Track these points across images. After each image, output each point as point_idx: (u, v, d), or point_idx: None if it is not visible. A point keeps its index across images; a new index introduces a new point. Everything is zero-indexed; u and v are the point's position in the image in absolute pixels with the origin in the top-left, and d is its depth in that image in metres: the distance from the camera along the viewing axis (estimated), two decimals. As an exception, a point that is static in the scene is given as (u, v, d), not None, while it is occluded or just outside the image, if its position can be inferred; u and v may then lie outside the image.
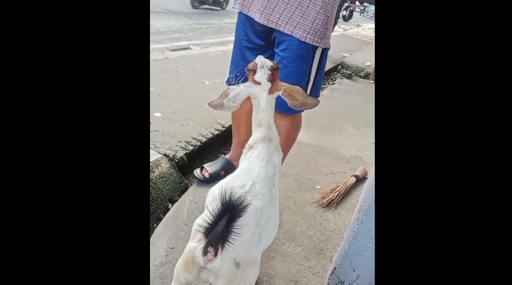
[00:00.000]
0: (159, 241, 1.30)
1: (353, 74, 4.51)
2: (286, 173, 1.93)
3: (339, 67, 4.68)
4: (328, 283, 1.17)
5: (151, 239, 1.31)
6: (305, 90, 1.45)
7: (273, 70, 1.00)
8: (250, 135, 1.80)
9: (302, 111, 1.52)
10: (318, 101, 1.05)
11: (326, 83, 4.08)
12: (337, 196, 1.77)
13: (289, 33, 1.32)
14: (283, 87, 1.02)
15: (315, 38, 1.33)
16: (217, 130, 2.21)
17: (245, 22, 1.43)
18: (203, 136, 2.10)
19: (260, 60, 1.03)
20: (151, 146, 1.91)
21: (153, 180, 1.67)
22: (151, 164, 1.76)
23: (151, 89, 2.65)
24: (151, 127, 2.10)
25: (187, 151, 1.90)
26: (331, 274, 1.16)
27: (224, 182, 0.91)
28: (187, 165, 1.88)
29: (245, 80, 1.56)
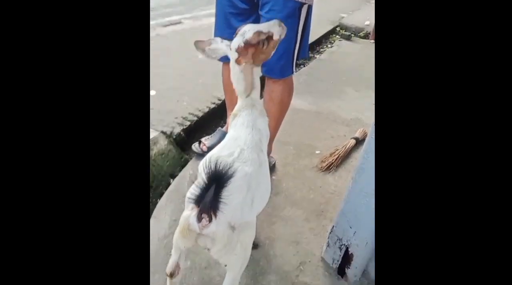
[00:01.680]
0: (162, 214, 1.34)
1: (352, 35, 4.37)
2: (285, 141, 1.93)
3: (338, 28, 4.53)
4: (328, 241, 1.21)
5: (154, 213, 1.35)
6: (293, 51, 1.43)
7: (247, 43, 0.94)
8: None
9: (292, 74, 1.50)
10: (249, 93, 1.00)
11: (324, 46, 3.97)
12: (336, 159, 1.78)
13: None
14: (244, 63, 0.97)
15: None
16: (214, 103, 2.20)
17: None
18: (200, 110, 2.10)
19: (244, 29, 0.97)
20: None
21: (153, 158, 1.70)
22: (149, 142, 1.78)
23: (144, 67, 2.62)
24: (147, 106, 2.10)
25: (184, 127, 1.91)
26: (330, 233, 1.19)
27: (213, 153, 0.92)
28: (185, 140, 1.89)
29: None
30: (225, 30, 1.47)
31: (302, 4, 1.32)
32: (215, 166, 0.73)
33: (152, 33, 3.34)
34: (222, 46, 0.99)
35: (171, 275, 0.92)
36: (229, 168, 0.75)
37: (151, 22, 4.02)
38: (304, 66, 3.28)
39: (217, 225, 0.77)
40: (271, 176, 1.64)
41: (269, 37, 0.96)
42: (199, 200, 0.76)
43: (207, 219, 0.76)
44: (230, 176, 0.74)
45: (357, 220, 1.07)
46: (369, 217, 1.04)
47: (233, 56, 0.97)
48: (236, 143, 0.92)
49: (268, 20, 1.35)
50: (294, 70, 1.48)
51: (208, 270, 1.14)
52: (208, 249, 0.84)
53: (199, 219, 0.77)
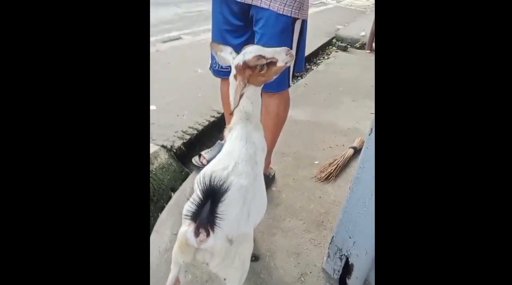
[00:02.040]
0: (163, 228, 1.35)
1: (348, 46, 4.44)
2: (284, 152, 1.95)
3: (334, 40, 4.61)
4: (328, 252, 1.21)
5: (155, 228, 1.36)
6: (289, 65, 1.45)
7: (245, 64, 0.96)
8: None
9: (288, 87, 1.53)
10: (232, 111, 1.01)
11: (321, 57, 4.03)
12: (335, 169, 1.79)
13: (266, 7, 1.31)
14: (238, 81, 0.98)
15: (293, 10, 1.32)
16: (213, 116, 2.23)
17: (221, 3, 1.43)
18: (199, 124, 2.12)
19: (248, 49, 0.99)
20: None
21: (154, 172, 1.71)
22: (150, 156, 1.80)
23: (144, 83, 2.67)
24: (148, 121, 2.13)
25: (185, 141, 1.94)
26: (330, 243, 1.20)
27: (207, 168, 0.93)
28: (186, 154, 1.91)
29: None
30: None
31: (295, 19, 1.35)
32: (210, 181, 0.74)
33: (152, 49, 3.40)
34: (229, 57, 1.02)
35: None
36: (223, 182, 0.76)
37: (151, 39, 4.10)
38: (301, 78, 3.33)
39: (215, 239, 0.78)
40: (270, 187, 1.65)
41: (272, 63, 0.98)
42: (195, 216, 0.77)
43: (205, 234, 0.77)
44: (225, 191, 0.75)
45: (356, 230, 1.08)
46: (367, 227, 1.05)
47: (232, 70, 1.00)
48: (231, 157, 0.93)
49: (262, 35, 1.40)
50: (290, 84, 1.51)
51: (209, 284, 1.14)
52: (207, 264, 0.84)
53: (197, 234, 0.77)
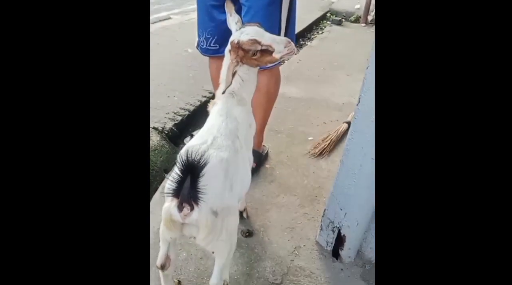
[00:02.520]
0: (157, 209, 1.35)
1: (343, 19, 4.34)
2: (277, 129, 1.94)
3: (328, 14, 4.49)
4: (321, 225, 1.22)
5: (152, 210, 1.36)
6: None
7: (240, 43, 0.95)
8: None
9: (280, 64, 1.49)
10: (225, 89, 0.99)
11: (315, 33, 3.95)
12: (329, 144, 1.78)
13: None
14: (231, 58, 0.98)
15: None
16: (205, 96, 2.20)
17: None
18: (191, 104, 2.10)
19: (248, 29, 0.98)
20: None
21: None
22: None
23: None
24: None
25: (176, 122, 1.92)
26: (323, 216, 1.20)
27: (188, 144, 0.92)
28: (178, 135, 1.90)
29: (217, 41, 1.53)
30: (208, 23, 1.46)
31: None
32: (187, 156, 0.73)
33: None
34: (233, 27, 1.02)
35: (162, 267, 0.92)
36: (201, 156, 0.75)
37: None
38: (295, 54, 3.27)
39: (199, 213, 0.78)
40: (264, 165, 1.65)
41: (267, 51, 0.96)
42: (177, 192, 0.76)
43: (189, 207, 0.76)
44: (204, 164, 0.74)
45: (347, 202, 1.08)
46: (358, 198, 1.05)
47: (228, 45, 0.99)
48: (210, 132, 0.93)
49: (249, 8, 1.35)
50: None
51: (203, 260, 1.15)
52: (194, 238, 0.85)
53: (180, 209, 0.77)
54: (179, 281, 1.06)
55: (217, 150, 0.86)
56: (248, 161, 1.04)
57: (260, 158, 1.63)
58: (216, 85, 1.71)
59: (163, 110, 2.04)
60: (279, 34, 1.41)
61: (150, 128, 1.85)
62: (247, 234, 1.26)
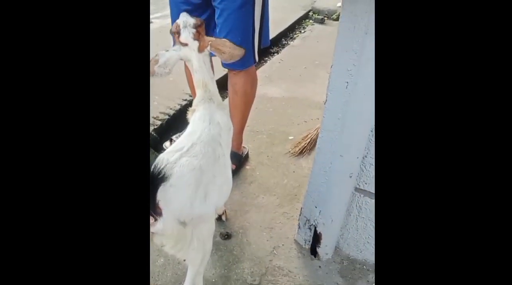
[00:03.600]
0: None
1: (325, 18, 4.36)
2: (258, 130, 1.94)
3: (310, 13, 4.51)
4: (299, 223, 1.22)
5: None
6: (252, 40, 1.42)
7: (197, 27, 0.98)
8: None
9: (254, 64, 1.50)
10: (245, 49, 1.02)
11: (297, 32, 3.96)
12: (309, 143, 1.79)
13: None
14: (210, 42, 1.00)
15: None
16: (185, 100, 2.19)
17: None
18: (171, 108, 2.09)
19: (182, 19, 1.00)
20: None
21: (125, 160, 1.70)
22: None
23: (114, 71, 2.60)
24: (118, 109, 2.10)
25: (156, 126, 1.91)
26: (300, 215, 1.21)
27: (166, 150, 0.91)
28: (158, 140, 1.89)
29: None
30: None
31: None
32: (153, 167, 0.73)
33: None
34: (171, 54, 0.99)
35: None
36: (164, 167, 0.74)
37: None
38: (277, 54, 3.28)
39: (164, 223, 0.77)
40: (244, 166, 1.65)
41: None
42: None
43: (152, 218, 0.76)
44: (168, 176, 0.74)
45: (321, 199, 1.09)
46: (330, 195, 1.05)
47: (194, 46, 0.99)
48: (190, 138, 0.92)
49: (222, 11, 1.35)
50: (255, 59, 1.47)
51: (181, 266, 1.15)
52: (163, 247, 0.85)
53: None
54: None
55: (191, 158, 0.85)
56: (230, 167, 1.03)
57: (240, 160, 1.63)
58: (192, 87, 1.71)
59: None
60: (253, 35, 1.41)
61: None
62: (225, 236, 1.26)
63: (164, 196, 0.75)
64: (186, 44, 0.99)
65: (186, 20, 0.98)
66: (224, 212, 1.33)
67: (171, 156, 0.83)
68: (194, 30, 0.98)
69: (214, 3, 1.37)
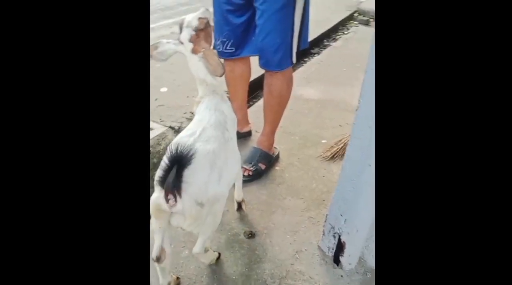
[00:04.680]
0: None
1: (370, 19, 4.22)
2: (291, 132, 1.93)
3: (355, 14, 4.39)
4: (323, 230, 1.21)
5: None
6: (291, 42, 1.42)
7: (197, 30, 1.00)
8: (246, 97, 1.80)
9: (291, 65, 1.49)
10: (224, 71, 1.02)
11: (340, 32, 3.87)
12: (341, 148, 1.75)
13: None
14: (203, 50, 1.01)
15: None
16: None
17: None
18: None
19: (188, 19, 1.02)
20: (157, 120, 1.99)
21: (161, 153, 1.77)
22: (157, 138, 1.85)
23: (157, 65, 2.71)
24: (157, 102, 2.18)
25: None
26: (325, 221, 1.19)
27: (178, 136, 0.97)
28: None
29: (232, 44, 1.55)
30: (224, 27, 1.49)
31: None
32: (175, 149, 0.78)
33: (167, 32, 3.43)
34: (170, 46, 1.03)
35: (158, 260, 0.94)
36: (189, 149, 0.80)
37: (168, 21, 4.13)
38: (317, 55, 3.23)
39: (184, 203, 0.83)
40: (274, 167, 1.66)
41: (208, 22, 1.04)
42: (162, 182, 0.81)
43: (173, 199, 0.81)
44: (191, 157, 0.79)
45: (347, 208, 1.07)
46: (357, 205, 1.03)
47: (188, 48, 1.02)
48: (199, 124, 0.98)
49: (263, 12, 1.36)
50: (293, 61, 1.47)
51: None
52: (181, 228, 0.91)
53: (167, 200, 0.82)
54: (178, 277, 1.09)
55: (204, 143, 0.90)
56: (238, 151, 1.10)
57: (270, 160, 1.64)
58: (232, 89, 1.74)
59: (180, 110, 2.10)
60: (292, 36, 1.41)
61: (167, 127, 1.92)
62: (249, 235, 1.28)
63: (182, 180, 0.80)
64: (182, 43, 1.02)
65: (190, 20, 1.01)
66: (243, 201, 1.35)
67: (186, 141, 0.88)
68: (193, 33, 1.00)
69: (255, 4, 1.38)
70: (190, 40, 1.00)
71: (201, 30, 1.00)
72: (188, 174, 0.81)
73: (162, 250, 0.95)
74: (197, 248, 1.01)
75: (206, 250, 1.07)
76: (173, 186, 0.80)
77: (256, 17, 1.40)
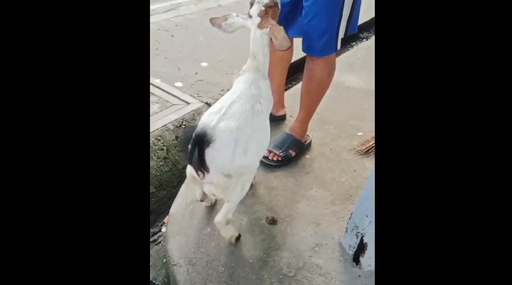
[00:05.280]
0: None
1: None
2: (327, 120, 1.87)
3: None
4: (347, 227, 1.18)
5: (186, 181, 1.45)
6: (337, 27, 1.34)
7: (267, 7, 1.08)
8: (284, 80, 1.76)
9: (335, 52, 1.42)
10: (290, 45, 1.12)
11: (395, 18, 3.61)
12: (378, 142, 1.68)
13: None
14: (270, 26, 1.09)
15: None
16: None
17: None
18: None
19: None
20: (195, 95, 2.01)
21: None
22: (193, 112, 1.88)
23: (200, 39, 2.71)
24: (197, 77, 2.19)
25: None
26: (349, 218, 1.17)
27: (208, 111, 1.03)
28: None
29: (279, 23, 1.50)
30: None
31: None
32: (198, 131, 0.88)
33: (214, 4, 3.40)
34: (238, 19, 1.14)
35: (202, 201, 1.24)
36: (209, 131, 0.88)
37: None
38: (366, 40, 3.06)
39: (212, 176, 0.95)
40: (304, 155, 1.62)
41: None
42: (190, 160, 0.93)
43: (201, 174, 0.94)
44: (210, 139, 0.87)
45: (373, 209, 1.02)
46: (385, 208, 0.99)
47: (255, 21, 1.11)
48: (231, 97, 1.03)
49: None
50: (338, 47, 1.40)
51: (225, 239, 1.20)
52: (213, 194, 1.09)
53: (197, 173, 0.95)
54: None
55: (228, 121, 0.95)
56: (268, 124, 1.13)
57: (301, 148, 1.61)
58: (272, 69, 1.69)
59: (218, 87, 2.10)
60: (339, 21, 1.34)
61: (203, 104, 1.94)
62: (271, 221, 1.28)
63: (207, 157, 0.90)
64: (250, 16, 1.11)
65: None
66: (252, 185, 1.37)
67: (211, 121, 0.94)
68: (262, 8, 1.09)
69: None
70: (259, 15, 1.09)
71: (270, 7, 1.09)
72: (212, 152, 0.89)
73: (203, 194, 1.19)
74: (219, 217, 1.08)
75: (227, 222, 1.12)
76: (199, 164, 0.90)
77: None
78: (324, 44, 1.37)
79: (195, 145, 0.88)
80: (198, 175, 0.95)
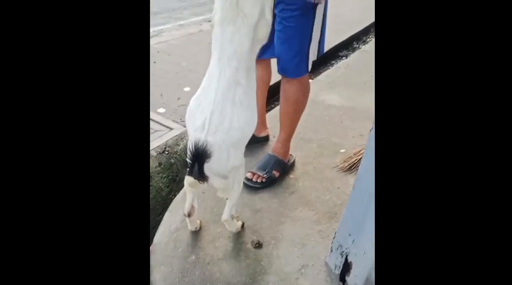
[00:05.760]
0: (176, 209, 1.42)
1: (405, 21, 4.05)
2: (308, 138, 1.90)
3: (389, 15, 4.23)
4: (331, 246, 1.18)
5: (170, 208, 1.44)
6: (307, 50, 1.39)
7: None
8: (265, 102, 1.79)
9: (307, 73, 1.46)
10: None
11: (372, 35, 3.75)
12: (360, 159, 1.70)
13: None
14: None
15: None
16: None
17: None
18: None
19: None
20: (178, 120, 2.02)
21: (178, 153, 1.80)
22: (176, 138, 1.88)
23: (183, 64, 2.75)
24: (179, 102, 2.21)
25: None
26: (334, 237, 1.17)
27: (189, 107, 1.09)
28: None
29: None
30: None
31: (316, 4, 1.28)
32: (195, 149, 0.97)
33: (195, 30, 3.47)
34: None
35: (189, 215, 1.22)
36: (204, 147, 0.97)
37: (198, 18, 4.17)
38: (345, 58, 3.15)
39: (212, 181, 1.05)
40: (288, 175, 1.63)
41: None
42: (190, 172, 1.01)
43: (202, 181, 1.02)
44: (209, 155, 0.98)
45: (355, 228, 1.03)
46: (366, 227, 0.99)
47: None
48: (207, 109, 1.01)
49: (281, 19, 1.34)
50: (308, 69, 1.44)
51: (210, 266, 1.19)
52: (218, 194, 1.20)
53: (198, 181, 1.03)
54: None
55: (212, 136, 1.01)
56: (255, 109, 1.13)
57: (284, 168, 1.62)
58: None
59: (201, 111, 2.12)
60: (309, 44, 1.39)
61: (186, 128, 1.95)
62: (256, 245, 1.27)
63: (205, 170, 1.00)
64: None
65: None
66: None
67: (200, 138, 0.99)
68: None
69: (275, 11, 1.36)
70: None
71: None
72: (210, 164, 0.99)
73: (192, 206, 1.21)
74: (225, 215, 1.19)
75: (232, 218, 1.23)
76: (199, 175, 1.00)
77: (275, 23, 1.38)
78: (297, 65, 1.42)
79: (194, 161, 0.98)
80: (199, 182, 1.03)
